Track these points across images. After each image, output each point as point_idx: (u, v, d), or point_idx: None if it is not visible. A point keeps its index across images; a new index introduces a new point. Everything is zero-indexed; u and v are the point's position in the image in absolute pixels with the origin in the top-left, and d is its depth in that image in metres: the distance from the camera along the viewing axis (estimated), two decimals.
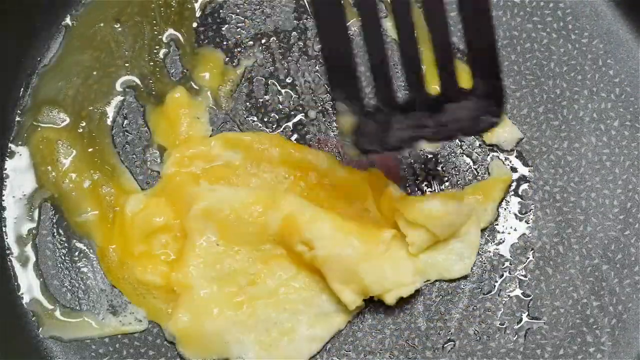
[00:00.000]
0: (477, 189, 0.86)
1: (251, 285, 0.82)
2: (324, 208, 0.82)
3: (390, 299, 0.82)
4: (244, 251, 0.82)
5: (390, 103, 0.76)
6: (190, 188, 0.83)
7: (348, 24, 0.74)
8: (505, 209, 0.86)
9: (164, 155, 0.87)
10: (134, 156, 0.88)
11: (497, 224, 0.86)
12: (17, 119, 0.88)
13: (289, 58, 0.90)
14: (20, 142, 0.88)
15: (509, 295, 0.84)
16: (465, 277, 0.85)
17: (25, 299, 0.84)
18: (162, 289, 0.83)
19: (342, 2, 0.73)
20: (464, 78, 0.76)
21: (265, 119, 0.89)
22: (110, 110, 0.89)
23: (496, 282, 0.85)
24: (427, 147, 0.77)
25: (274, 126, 0.88)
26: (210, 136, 0.87)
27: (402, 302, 0.84)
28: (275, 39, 0.91)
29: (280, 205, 0.81)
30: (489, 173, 0.87)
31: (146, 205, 0.85)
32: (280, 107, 0.89)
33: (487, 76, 0.76)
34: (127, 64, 0.90)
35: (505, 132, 0.88)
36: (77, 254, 0.85)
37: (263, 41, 0.91)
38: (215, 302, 0.81)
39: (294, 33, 0.91)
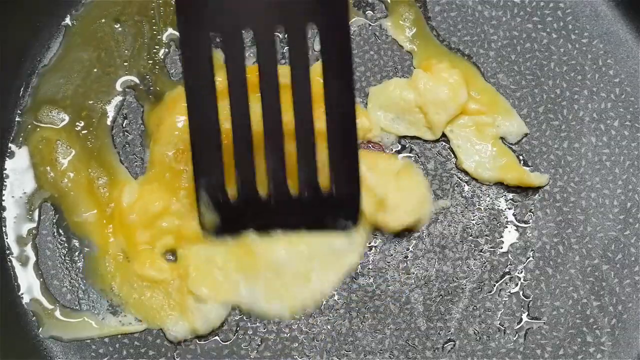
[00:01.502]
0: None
1: (257, 241, 0.83)
2: None
3: (394, 222, 0.83)
4: None
5: (251, 197, 0.80)
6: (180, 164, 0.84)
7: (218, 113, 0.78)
8: (505, 209, 0.87)
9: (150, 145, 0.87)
10: (134, 156, 0.88)
11: (497, 224, 0.86)
12: (17, 119, 0.88)
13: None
14: (20, 142, 0.87)
15: (509, 295, 0.85)
16: (465, 277, 0.85)
17: (25, 299, 0.84)
18: (161, 284, 0.83)
19: (215, 95, 0.77)
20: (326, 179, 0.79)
21: None
22: (110, 110, 0.89)
23: (496, 282, 0.85)
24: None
25: None
26: None
27: (402, 302, 0.84)
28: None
29: None
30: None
31: (140, 194, 0.85)
32: None
33: (346, 181, 0.79)
34: (126, 64, 0.90)
35: (512, 126, 0.88)
36: (77, 254, 0.85)
37: None
38: (220, 250, 0.82)
39: None
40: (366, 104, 0.88)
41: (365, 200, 0.82)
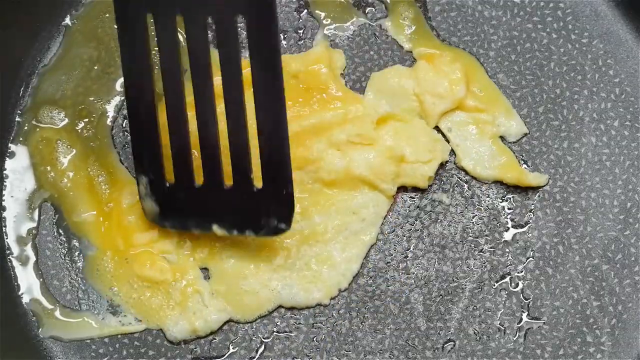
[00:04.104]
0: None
1: None
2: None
3: (422, 181, 0.86)
4: None
5: (188, 186, 0.81)
6: None
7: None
8: (505, 209, 0.87)
9: None
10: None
11: (497, 224, 0.86)
12: (17, 119, 0.88)
13: None
14: (20, 142, 0.87)
15: (509, 295, 0.85)
16: (465, 277, 0.85)
17: (25, 299, 0.84)
18: (162, 284, 0.84)
19: (153, 89, 0.79)
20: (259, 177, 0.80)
21: None
22: (110, 110, 0.89)
23: (496, 282, 0.85)
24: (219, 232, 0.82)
25: None
26: None
27: (402, 302, 0.84)
28: None
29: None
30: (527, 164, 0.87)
31: None
32: None
33: (279, 182, 0.79)
34: None
35: (512, 125, 0.88)
36: (77, 254, 0.85)
37: None
38: (247, 259, 0.84)
39: (294, 34, 0.91)
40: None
41: (386, 166, 0.85)
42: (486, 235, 0.86)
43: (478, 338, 0.84)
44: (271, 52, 0.75)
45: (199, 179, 0.81)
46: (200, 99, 0.78)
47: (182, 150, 0.80)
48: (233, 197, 0.80)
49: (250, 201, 0.80)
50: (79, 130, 0.88)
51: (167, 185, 0.81)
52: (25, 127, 0.88)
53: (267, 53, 0.75)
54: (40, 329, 0.84)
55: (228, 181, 0.80)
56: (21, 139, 0.88)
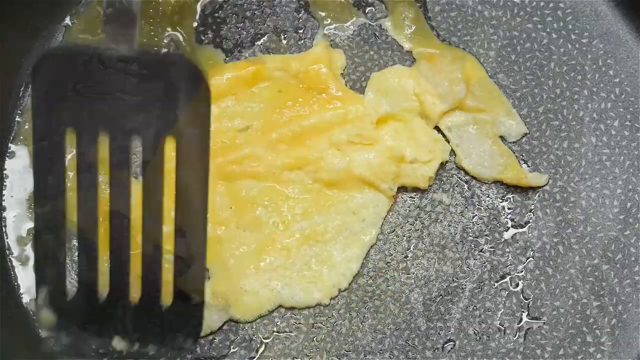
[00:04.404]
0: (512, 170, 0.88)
1: (276, 231, 0.85)
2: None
3: (422, 181, 0.86)
4: (260, 198, 0.85)
5: (91, 300, 0.77)
6: None
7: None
8: (505, 209, 0.87)
9: None
10: (133, 156, 0.87)
11: (497, 224, 0.86)
12: (17, 119, 0.88)
13: None
14: (20, 142, 0.87)
15: (509, 295, 0.85)
16: (465, 277, 0.85)
17: (25, 299, 0.84)
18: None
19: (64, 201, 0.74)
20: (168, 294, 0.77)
21: None
22: None
23: (496, 282, 0.85)
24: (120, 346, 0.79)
25: None
26: None
27: (402, 302, 0.84)
28: (276, 38, 0.91)
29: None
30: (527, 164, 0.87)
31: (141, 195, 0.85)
32: None
33: (189, 304, 0.76)
34: None
35: (512, 125, 0.88)
36: (77, 254, 0.85)
37: (263, 41, 0.91)
38: (248, 259, 0.84)
39: (294, 34, 0.91)
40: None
41: (386, 167, 0.85)
42: (486, 235, 0.86)
43: (478, 338, 0.84)
44: (201, 177, 0.72)
45: (102, 291, 0.77)
46: (116, 218, 0.75)
47: (89, 266, 0.76)
48: (138, 313, 0.77)
49: (156, 319, 0.77)
50: None
51: (69, 297, 0.77)
52: (25, 127, 0.88)
53: (195, 179, 0.72)
54: (40, 329, 0.83)
55: (135, 298, 0.76)
56: (21, 138, 0.88)
